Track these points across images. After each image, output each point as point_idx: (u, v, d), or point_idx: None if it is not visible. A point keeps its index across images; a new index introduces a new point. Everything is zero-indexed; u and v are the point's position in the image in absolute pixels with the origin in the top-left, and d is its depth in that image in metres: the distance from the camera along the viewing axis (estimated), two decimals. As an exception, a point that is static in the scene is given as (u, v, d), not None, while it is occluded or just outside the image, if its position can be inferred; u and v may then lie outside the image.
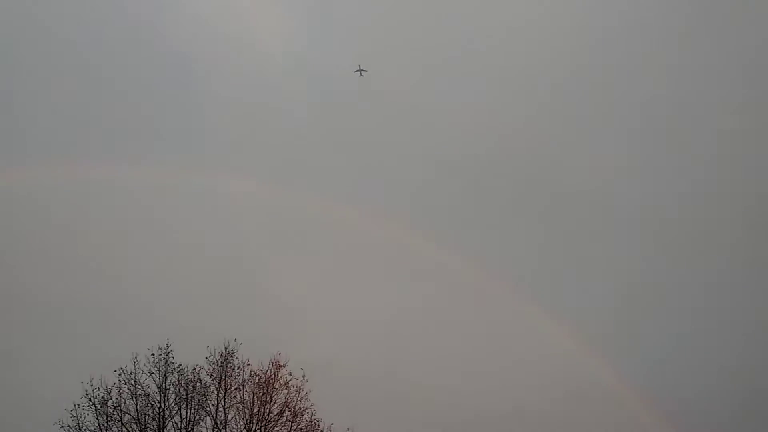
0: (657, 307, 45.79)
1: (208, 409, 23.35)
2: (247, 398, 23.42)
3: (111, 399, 23.22)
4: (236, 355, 23.76)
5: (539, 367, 39.14)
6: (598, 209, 53.10)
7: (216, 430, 23.14)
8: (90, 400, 23.18)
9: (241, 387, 23.51)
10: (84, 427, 23.13)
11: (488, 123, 57.50)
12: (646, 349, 41.21)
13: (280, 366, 23.69)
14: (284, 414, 23.34)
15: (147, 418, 23.35)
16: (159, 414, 23.25)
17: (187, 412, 23.33)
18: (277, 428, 23.37)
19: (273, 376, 23.56)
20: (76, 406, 23.16)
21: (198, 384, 23.54)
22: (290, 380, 23.56)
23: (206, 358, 23.83)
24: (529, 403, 36.31)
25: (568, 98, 60.11)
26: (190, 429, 23.32)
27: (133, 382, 23.37)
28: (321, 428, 23.35)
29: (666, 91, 58.48)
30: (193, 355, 23.89)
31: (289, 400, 23.44)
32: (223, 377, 23.59)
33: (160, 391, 23.43)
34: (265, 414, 23.29)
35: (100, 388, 23.27)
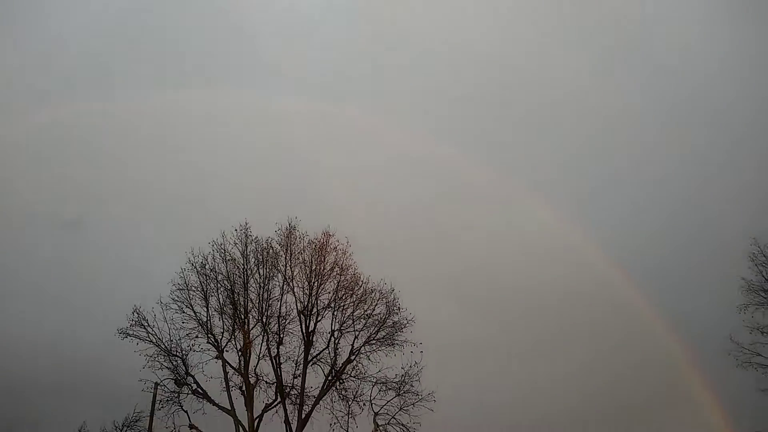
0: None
1: (278, 268, 31.02)
2: (307, 259, 30.92)
3: (207, 263, 31.00)
4: (297, 228, 31.55)
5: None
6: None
7: (285, 282, 31.28)
8: (192, 264, 30.79)
9: (302, 251, 31.04)
10: (189, 284, 31.34)
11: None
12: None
13: (330, 235, 31.21)
14: (334, 270, 30.95)
15: (234, 276, 31.46)
16: (243, 272, 31.06)
17: (263, 271, 31.21)
18: (330, 280, 31.05)
19: (325, 242, 31.25)
20: (183, 269, 30.98)
21: (270, 250, 31.23)
22: (338, 245, 31.20)
23: (275, 231, 31.32)
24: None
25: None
26: (266, 283, 31.55)
27: (222, 250, 31.03)
28: (362, 279, 31.35)
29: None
30: (266, 230, 31.93)
31: (338, 260, 31.03)
32: (289, 245, 31.11)
33: (243, 256, 31.01)
34: (321, 270, 30.96)
35: (199, 256, 31.08)
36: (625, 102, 59.42)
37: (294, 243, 31.12)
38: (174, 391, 29.74)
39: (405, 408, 29.25)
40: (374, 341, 30.33)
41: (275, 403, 29.53)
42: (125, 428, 31.91)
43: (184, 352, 30.04)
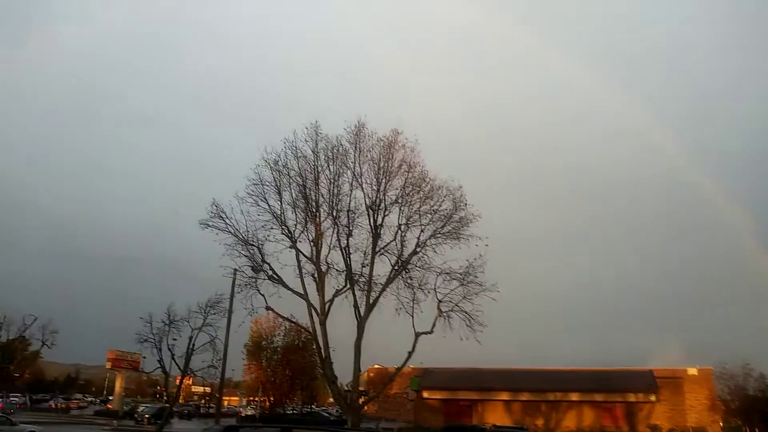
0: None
1: (348, 165, 32.05)
2: (375, 156, 31.84)
3: (280, 160, 32.38)
4: (366, 126, 32.39)
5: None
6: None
7: (354, 179, 32.37)
8: (266, 161, 32.32)
9: (371, 149, 31.93)
10: (263, 179, 32.85)
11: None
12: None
13: (398, 133, 31.81)
14: (402, 167, 31.91)
15: (305, 172, 32.76)
16: (314, 169, 32.47)
17: (333, 167, 32.35)
18: (397, 177, 31.93)
19: (393, 140, 31.89)
20: (257, 165, 32.74)
21: (340, 148, 32.02)
22: (406, 143, 31.93)
23: (344, 129, 32.26)
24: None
25: None
26: (336, 179, 32.75)
27: (294, 148, 32.18)
28: (429, 177, 32.10)
29: None
30: (336, 130, 32.89)
31: (406, 157, 31.85)
32: (358, 142, 31.92)
33: (313, 153, 32.21)
34: (389, 167, 32.00)
35: (272, 153, 33.02)
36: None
37: (363, 140, 31.94)
38: (251, 277, 31.95)
39: (468, 297, 30.59)
40: (440, 235, 31.47)
41: (345, 288, 31.38)
42: (208, 308, 34.73)
43: (260, 241, 32.00)
